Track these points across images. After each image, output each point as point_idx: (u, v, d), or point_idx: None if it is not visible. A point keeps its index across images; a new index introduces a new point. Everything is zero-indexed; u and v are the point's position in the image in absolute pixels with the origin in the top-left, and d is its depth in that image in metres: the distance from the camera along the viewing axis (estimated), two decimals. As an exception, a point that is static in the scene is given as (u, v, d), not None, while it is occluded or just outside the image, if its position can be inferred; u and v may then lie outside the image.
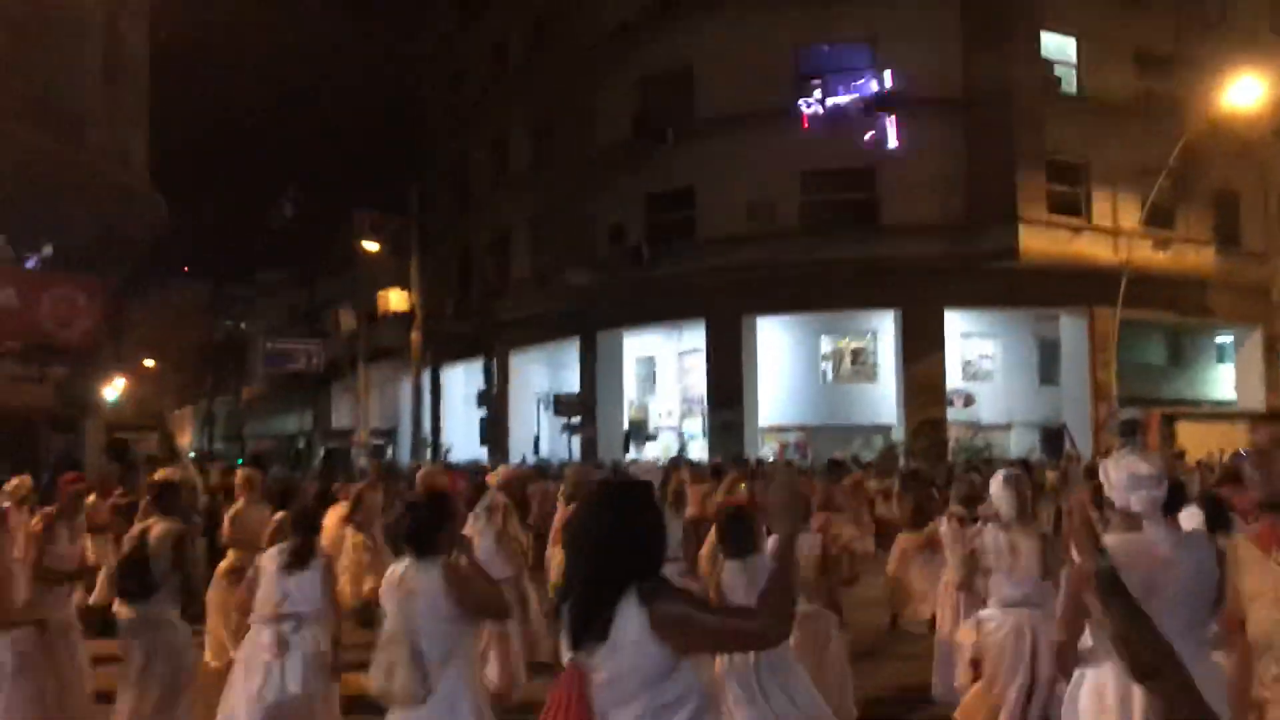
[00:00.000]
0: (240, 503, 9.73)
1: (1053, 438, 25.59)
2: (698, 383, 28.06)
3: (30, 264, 17.09)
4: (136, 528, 6.77)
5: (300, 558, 6.07)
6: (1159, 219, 25.40)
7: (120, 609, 6.46)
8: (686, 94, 27.01)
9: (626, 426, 28.91)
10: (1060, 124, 25.50)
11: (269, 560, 6.18)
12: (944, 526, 8.11)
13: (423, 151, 39.31)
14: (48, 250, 20.33)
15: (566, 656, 2.82)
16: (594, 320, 29.05)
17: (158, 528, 6.43)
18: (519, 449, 29.48)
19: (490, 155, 35.13)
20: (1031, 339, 28.48)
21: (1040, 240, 24.91)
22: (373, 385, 38.37)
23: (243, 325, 60.19)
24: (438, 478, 10.71)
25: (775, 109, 25.46)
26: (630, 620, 2.70)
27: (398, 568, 4.69)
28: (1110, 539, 3.51)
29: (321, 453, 40.60)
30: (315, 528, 6.52)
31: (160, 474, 8.88)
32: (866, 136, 25.29)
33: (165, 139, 26.61)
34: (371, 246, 35.08)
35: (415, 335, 33.82)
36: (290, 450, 47.96)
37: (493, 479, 9.75)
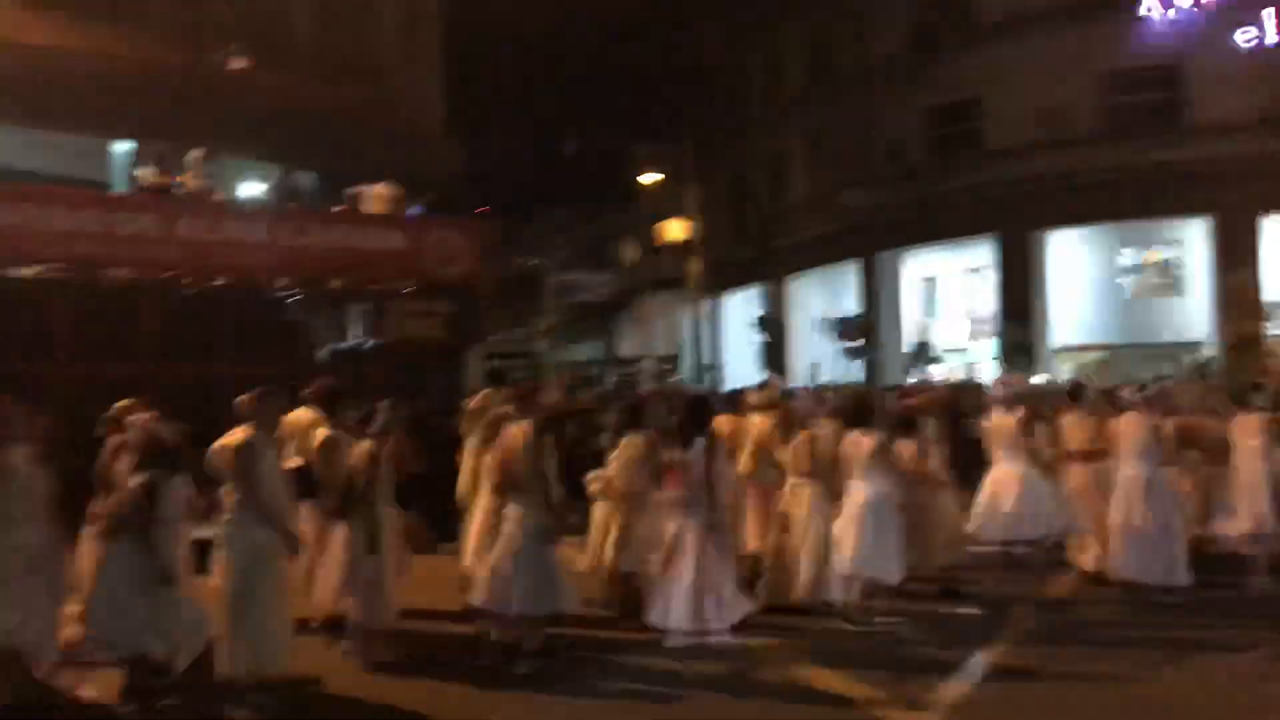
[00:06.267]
0: None
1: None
2: (985, 303, 26.96)
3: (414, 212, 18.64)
4: None
5: None
6: None
7: None
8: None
9: (907, 349, 28.21)
10: None
11: None
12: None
13: (696, 79, 39.35)
14: (427, 199, 22.03)
15: None
16: (873, 241, 28.38)
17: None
18: (798, 374, 29.31)
19: (764, 76, 34.81)
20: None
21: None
22: (656, 314, 39.25)
23: (534, 261, 62.76)
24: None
25: (1069, 4, 23.94)
26: None
27: None
28: None
29: (614, 379, 42.02)
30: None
31: None
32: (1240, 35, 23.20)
33: (458, 88, 28.10)
34: (650, 179, 35.59)
35: (694, 264, 34.18)
36: (584, 378, 49.93)
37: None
